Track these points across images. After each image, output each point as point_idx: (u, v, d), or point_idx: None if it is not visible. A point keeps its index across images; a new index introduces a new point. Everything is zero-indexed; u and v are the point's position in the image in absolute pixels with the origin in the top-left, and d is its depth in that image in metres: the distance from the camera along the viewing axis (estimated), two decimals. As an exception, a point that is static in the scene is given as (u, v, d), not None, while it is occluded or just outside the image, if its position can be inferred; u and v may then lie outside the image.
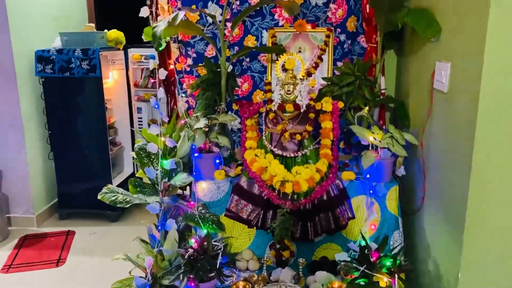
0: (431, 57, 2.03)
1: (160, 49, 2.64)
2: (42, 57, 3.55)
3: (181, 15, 2.18)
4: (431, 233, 2.04)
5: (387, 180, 2.27)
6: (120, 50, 3.99)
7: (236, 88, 2.76)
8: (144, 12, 2.61)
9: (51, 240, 3.47)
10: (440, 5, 1.93)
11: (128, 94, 4.13)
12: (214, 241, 1.93)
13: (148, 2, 2.71)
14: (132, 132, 4.25)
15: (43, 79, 3.64)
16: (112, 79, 4.10)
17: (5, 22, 3.37)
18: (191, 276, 1.79)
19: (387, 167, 2.27)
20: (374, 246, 1.92)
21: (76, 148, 3.77)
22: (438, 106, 1.93)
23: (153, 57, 4.08)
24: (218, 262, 1.83)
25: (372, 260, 1.79)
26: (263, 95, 2.55)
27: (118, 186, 4.00)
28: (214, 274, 1.81)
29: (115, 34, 3.79)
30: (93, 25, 3.91)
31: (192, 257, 1.81)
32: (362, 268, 1.76)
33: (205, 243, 1.87)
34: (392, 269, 1.74)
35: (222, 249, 1.88)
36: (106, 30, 3.78)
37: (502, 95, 1.50)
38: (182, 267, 1.82)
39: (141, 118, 4.20)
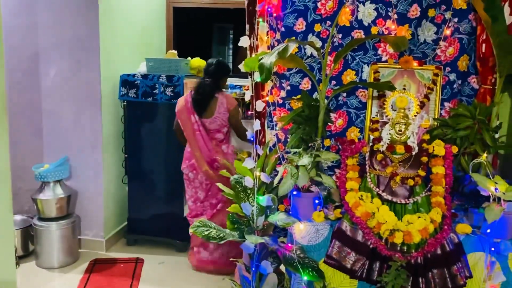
0: None
1: (260, 80, 2.56)
2: (127, 81, 3.58)
3: (292, 47, 2.10)
4: None
5: (510, 237, 2.03)
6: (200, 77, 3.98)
7: (330, 124, 2.63)
8: (244, 42, 2.55)
9: (121, 267, 3.39)
10: None
11: (202, 122, 4.09)
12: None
13: (247, 33, 2.66)
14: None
15: (125, 103, 3.66)
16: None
17: (96, 48, 3.43)
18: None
19: (510, 222, 2.03)
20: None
21: (151, 173, 3.74)
22: None
23: (232, 87, 4.04)
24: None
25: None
26: (371, 134, 2.39)
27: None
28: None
29: (198, 62, 3.80)
30: (176, 52, 3.94)
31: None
32: None
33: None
34: None
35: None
36: (189, 58, 3.79)
37: None
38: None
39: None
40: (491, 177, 2.07)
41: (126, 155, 3.76)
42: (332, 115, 2.66)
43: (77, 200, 3.65)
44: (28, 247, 3.52)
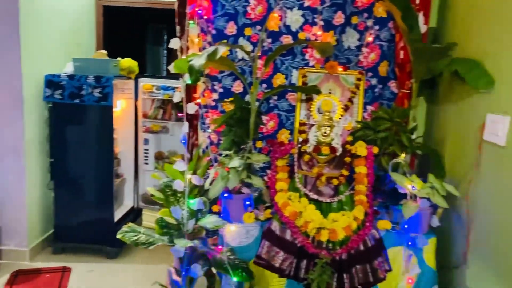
0: (479, 108, 2.00)
1: (193, 81, 2.55)
2: (52, 82, 3.40)
3: (222, 50, 2.11)
4: (477, 291, 1.94)
5: (424, 231, 2.19)
6: (132, 79, 3.88)
7: (262, 126, 2.68)
8: (174, 43, 2.53)
9: (46, 277, 3.20)
10: (490, 55, 1.91)
11: (135, 124, 3.99)
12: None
13: (178, 34, 2.64)
14: (136, 164, 4.08)
15: (50, 105, 3.48)
16: (120, 108, 3.97)
17: (17, 44, 3.23)
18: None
19: (425, 218, 2.19)
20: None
21: (78, 178, 3.57)
22: (491, 159, 1.88)
23: (164, 88, 3.98)
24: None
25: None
26: (299, 136, 2.46)
27: (118, 221, 3.79)
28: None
29: (128, 62, 3.70)
30: (105, 52, 3.81)
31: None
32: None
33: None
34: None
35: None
36: (119, 58, 3.68)
37: None
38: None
39: (147, 149, 4.04)
40: (408, 175, 2.22)
41: (51, 160, 3.56)
42: (264, 117, 2.71)
43: (-3, 208, 3.40)
44: None
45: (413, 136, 2.40)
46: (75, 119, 3.49)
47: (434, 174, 2.32)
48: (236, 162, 2.14)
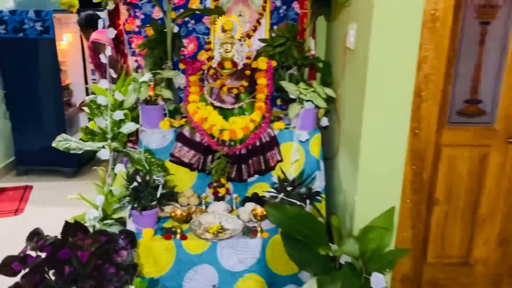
0: (346, 20, 2.36)
1: (107, 8, 2.83)
2: (-6, 18, 3.64)
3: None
4: (342, 172, 2.42)
5: (310, 128, 2.61)
6: (74, 13, 4.10)
7: (182, 49, 3.00)
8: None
9: (10, 193, 3.66)
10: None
11: (82, 57, 4.27)
12: (156, 177, 2.22)
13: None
14: (87, 95, 4.41)
15: (-4, 39, 3.74)
16: (66, 41, 4.22)
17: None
18: (135, 205, 2.09)
19: (311, 118, 2.60)
20: (291, 178, 2.27)
21: (32, 107, 3.92)
22: (349, 62, 2.27)
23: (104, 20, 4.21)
24: (159, 192, 2.13)
25: (288, 189, 2.14)
26: (205, 53, 2.81)
27: (74, 145, 4.19)
28: (155, 203, 2.11)
29: (68, -4, 3.91)
30: (46, -13, 3.99)
31: (135, 189, 2.10)
32: (280, 196, 2.11)
33: (147, 177, 2.16)
34: (304, 195, 2.10)
35: (162, 183, 2.17)
36: (59, -7, 3.89)
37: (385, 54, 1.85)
38: (127, 198, 2.10)
39: (95, 79, 4.36)
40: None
41: (5, 91, 3.88)
42: (184, 40, 3.03)
43: (-42, 137, 3.77)
44: None
45: (306, 51, 2.76)
46: (22, 52, 3.78)
47: (324, 82, 2.72)
48: (146, 77, 2.50)
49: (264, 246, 2.12)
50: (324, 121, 2.68)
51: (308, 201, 2.09)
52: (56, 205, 3.48)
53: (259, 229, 2.15)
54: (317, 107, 2.57)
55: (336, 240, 1.97)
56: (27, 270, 1.76)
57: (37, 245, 1.81)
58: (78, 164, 4.15)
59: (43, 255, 1.81)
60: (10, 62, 3.80)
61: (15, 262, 1.76)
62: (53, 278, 1.76)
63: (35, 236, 1.86)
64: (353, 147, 2.16)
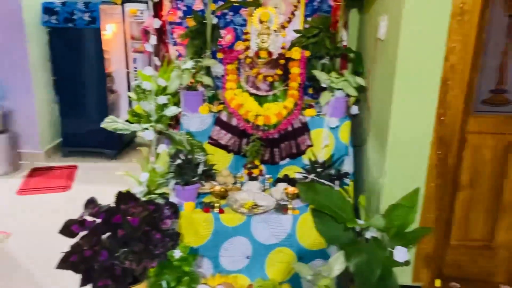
0: (378, 12, 2.48)
1: (153, 0, 3.05)
2: (48, 8, 3.92)
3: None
4: (370, 157, 2.56)
5: (341, 116, 2.75)
6: (118, 5, 4.35)
7: (220, 39, 3.19)
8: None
9: (57, 172, 3.96)
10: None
11: (124, 46, 4.53)
12: (197, 156, 2.42)
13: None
14: (129, 82, 4.67)
15: (49, 29, 4.02)
16: (111, 31, 4.49)
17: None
18: (178, 180, 2.29)
19: (341, 105, 2.74)
20: (321, 161, 2.43)
21: (78, 93, 4.21)
22: (379, 52, 2.40)
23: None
24: (200, 169, 2.33)
25: (318, 170, 2.30)
26: (242, 44, 2.99)
27: (115, 129, 4.47)
28: (196, 179, 2.31)
29: (113, -11, 4.16)
30: (93, -20, 4.26)
31: (179, 166, 2.30)
32: (310, 176, 2.27)
33: (189, 156, 2.36)
34: (333, 176, 2.25)
35: (203, 161, 2.37)
36: (105, -15, 4.14)
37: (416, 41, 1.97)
38: (171, 173, 2.31)
39: (136, 67, 4.61)
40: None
41: (54, 78, 4.18)
42: (222, 31, 3.22)
43: (13, 118, 4.09)
44: (-29, 161, 4.00)
45: (339, 41, 2.89)
46: (71, 41, 4.06)
47: (355, 71, 2.85)
48: (188, 64, 2.69)
49: (294, 222, 2.29)
50: (354, 109, 2.81)
51: (337, 182, 2.24)
52: (100, 183, 3.75)
53: (290, 206, 2.32)
54: (347, 95, 2.71)
55: (363, 218, 2.11)
56: (85, 232, 1.99)
57: (93, 211, 2.04)
58: (119, 147, 4.42)
59: (98, 220, 2.04)
60: (60, 50, 4.09)
61: (74, 225, 1.99)
62: (107, 240, 1.98)
63: (91, 203, 2.09)
64: (382, 133, 2.29)
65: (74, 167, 4.10)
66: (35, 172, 3.96)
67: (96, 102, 4.25)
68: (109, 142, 4.25)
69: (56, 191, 3.59)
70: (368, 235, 1.98)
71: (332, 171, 2.31)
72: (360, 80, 2.65)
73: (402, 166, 2.19)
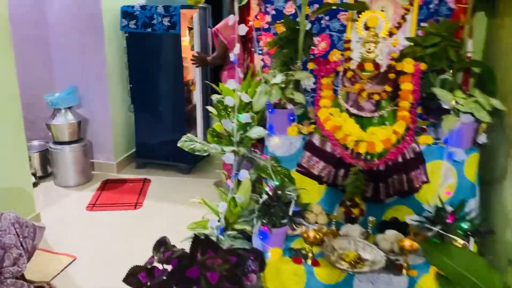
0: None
1: (242, 3, 2.68)
2: (127, 13, 3.73)
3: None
4: (510, 201, 1.97)
5: (467, 146, 2.20)
6: (198, 7, 4.08)
7: (313, 47, 2.75)
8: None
9: (130, 186, 3.75)
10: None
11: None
12: (288, 191, 2.00)
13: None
14: (205, 92, 4.38)
15: (127, 34, 3.83)
16: (189, 37, 4.23)
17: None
18: (264, 221, 1.88)
19: (468, 133, 2.19)
20: (449, 209, 1.89)
21: (155, 102, 3.98)
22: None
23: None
24: (291, 209, 1.90)
25: (447, 221, 1.76)
26: (341, 54, 2.52)
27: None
28: (286, 221, 1.89)
29: (195, -7, 3.88)
30: (174, -17, 4.02)
31: (266, 203, 1.89)
32: (436, 229, 1.74)
33: (279, 191, 1.94)
34: (468, 232, 1.71)
35: (295, 199, 1.94)
36: (186, -12, 3.88)
37: None
38: (257, 212, 1.91)
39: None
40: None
41: (131, 85, 3.99)
42: (316, 39, 2.78)
43: (87, 126, 3.96)
44: (47, 168, 3.90)
45: (464, 52, 2.33)
46: (149, 48, 3.84)
47: (485, 90, 2.27)
48: (278, 78, 2.28)
49: (411, 287, 1.78)
50: (482, 138, 2.23)
51: (471, 239, 1.70)
52: (174, 201, 3.50)
53: (405, 264, 1.81)
54: (477, 120, 2.15)
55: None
56: (153, 282, 1.64)
57: (164, 257, 1.69)
58: (194, 161, 4.14)
59: (168, 267, 1.69)
60: (137, 57, 3.89)
61: (142, 272, 1.66)
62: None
63: (162, 245, 1.74)
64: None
65: (148, 180, 3.87)
66: (107, 184, 3.78)
67: (172, 113, 4.00)
68: (183, 156, 3.95)
69: (127, 209, 3.36)
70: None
71: (466, 224, 1.77)
72: (496, 102, 2.08)
73: None
